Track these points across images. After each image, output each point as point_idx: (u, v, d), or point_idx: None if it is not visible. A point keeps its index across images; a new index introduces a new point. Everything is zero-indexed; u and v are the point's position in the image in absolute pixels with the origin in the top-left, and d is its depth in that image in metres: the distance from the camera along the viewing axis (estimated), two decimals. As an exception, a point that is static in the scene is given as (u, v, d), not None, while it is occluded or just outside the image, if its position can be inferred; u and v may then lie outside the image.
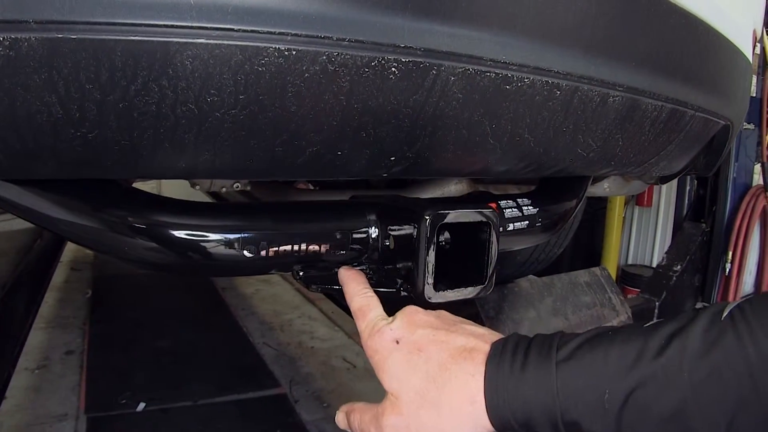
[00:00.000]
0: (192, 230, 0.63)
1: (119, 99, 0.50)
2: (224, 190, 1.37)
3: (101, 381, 2.73)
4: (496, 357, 0.52)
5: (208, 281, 4.38)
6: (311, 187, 1.46)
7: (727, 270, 1.88)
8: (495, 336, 0.56)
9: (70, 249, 4.57)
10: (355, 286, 0.66)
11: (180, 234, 0.63)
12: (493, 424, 0.51)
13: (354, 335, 3.44)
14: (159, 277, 4.33)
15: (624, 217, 2.69)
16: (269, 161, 0.58)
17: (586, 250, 3.66)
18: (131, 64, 0.47)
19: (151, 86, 0.49)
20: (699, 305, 1.84)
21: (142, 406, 2.52)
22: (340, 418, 0.66)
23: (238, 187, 1.40)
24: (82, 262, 4.76)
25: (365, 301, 0.64)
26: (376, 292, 0.69)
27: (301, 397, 2.70)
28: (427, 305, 0.63)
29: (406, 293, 0.67)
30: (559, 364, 0.49)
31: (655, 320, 0.51)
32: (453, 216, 0.63)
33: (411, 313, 0.60)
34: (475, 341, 0.55)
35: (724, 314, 0.45)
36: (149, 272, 4.42)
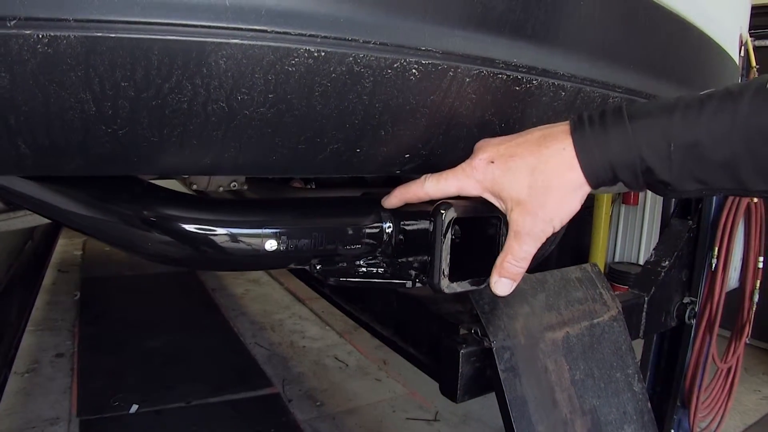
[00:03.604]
0: (215, 226, 0.65)
1: (153, 96, 0.51)
2: (221, 189, 1.39)
3: (93, 383, 2.72)
4: (578, 128, 0.61)
5: (197, 282, 4.36)
6: (307, 186, 1.48)
7: (713, 265, 1.93)
8: (560, 121, 0.65)
9: (57, 251, 4.52)
10: (410, 184, 0.71)
11: (203, 230, 0.65)
12: (589, 183, 0.61)
13: (345, 334, 3.47)
14: (148, 278, 4.31)
15: (611, 215, 2.76)
16: (291, 158, 0.60)
17: (574, 247, 3.72)
18: (167, 62, 0.49)
19: (184, 84, 0.51)
20: (687, 300, 1.89)
21: (134, 407, 2.51)
22: (494, 281, 0.68)
23: (234, 186, 1.42)
24: (70, 264, 4.71)
25: (432, 176, 0.68)
26: (389, 284, 0.72)
27: (294, 396, 2.72)
28: (442, 295, 0.65)
29: (420, 284, 0.69)
30: (632, 124, 0.58)
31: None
32: (468, 210, 0.66)
33: (484, 141, 0.67)
34: (549, 128, 0.64)
35: None
36: (137, 273, 4.40)
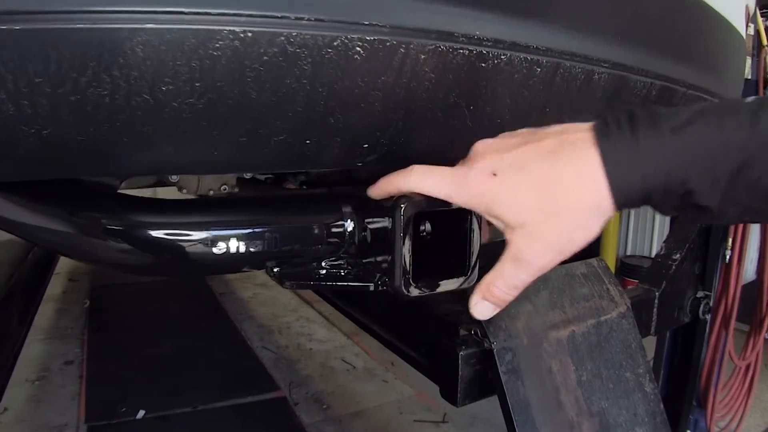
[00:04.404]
0: (159, 228, 0.60)
1: (70, 92, 0.47)
2: (212, 192, 1.36)
3: (101, 390, 2.73)
4: (605, 136, 0.49)
5: (205, 287, 4.36)
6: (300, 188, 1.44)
7: (728, 257, 1.85)
8: (580, 123, 0.53)
9: (67, 260, 4.55)
10: (395, 174, 0.61)
11: (148, 233, 0.60)
12: (615, 203, 0.50)
13: (352, 336, 3.43)
14: (157, 285, 4.31)
15: (622, 208, 2.69)
16: (234, 152, 0.55)
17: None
18: (79, 54, 0.45)
19: (102, 77, 0.46)
20: (700, 294, 1.81)
21: (141, 413, 2.51)
22: (475, 301, 0.60)
23: (225, 189, 1.38)
24: (80, 272, 4.74)
25: (420, 170, 0.59)
26: (350, 286, 0.66)
27: (301, 399, 2.69)
28: (406, 299, 0.60)
29: (384, 287, 0.64)
30: (672, 135, 0.47)
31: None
32: (429, 204, 0.60)
33: (482, 145, 0.56)
34: (567, 133, 0.52)
35: None
36: (146, 280, 4.41)
